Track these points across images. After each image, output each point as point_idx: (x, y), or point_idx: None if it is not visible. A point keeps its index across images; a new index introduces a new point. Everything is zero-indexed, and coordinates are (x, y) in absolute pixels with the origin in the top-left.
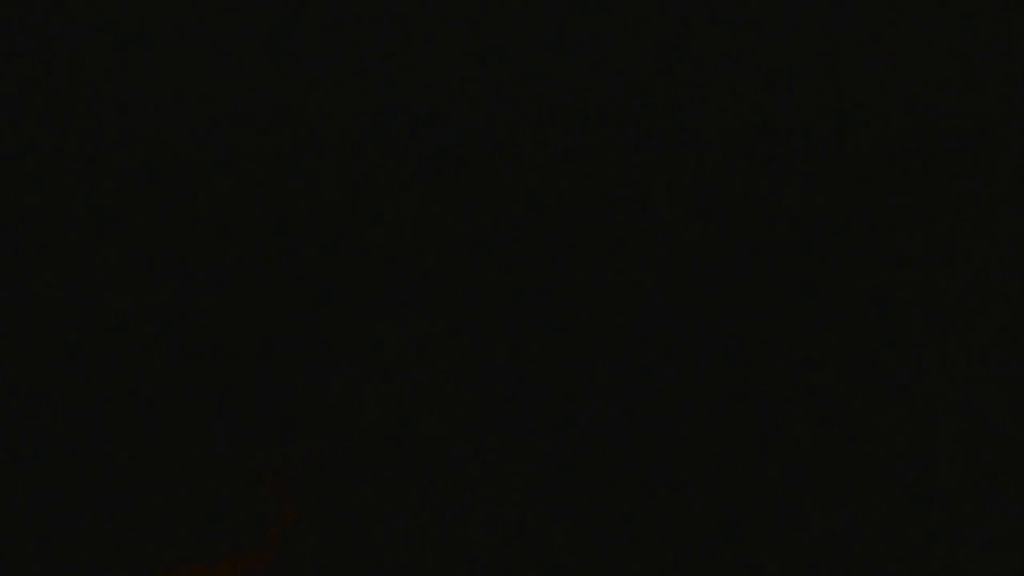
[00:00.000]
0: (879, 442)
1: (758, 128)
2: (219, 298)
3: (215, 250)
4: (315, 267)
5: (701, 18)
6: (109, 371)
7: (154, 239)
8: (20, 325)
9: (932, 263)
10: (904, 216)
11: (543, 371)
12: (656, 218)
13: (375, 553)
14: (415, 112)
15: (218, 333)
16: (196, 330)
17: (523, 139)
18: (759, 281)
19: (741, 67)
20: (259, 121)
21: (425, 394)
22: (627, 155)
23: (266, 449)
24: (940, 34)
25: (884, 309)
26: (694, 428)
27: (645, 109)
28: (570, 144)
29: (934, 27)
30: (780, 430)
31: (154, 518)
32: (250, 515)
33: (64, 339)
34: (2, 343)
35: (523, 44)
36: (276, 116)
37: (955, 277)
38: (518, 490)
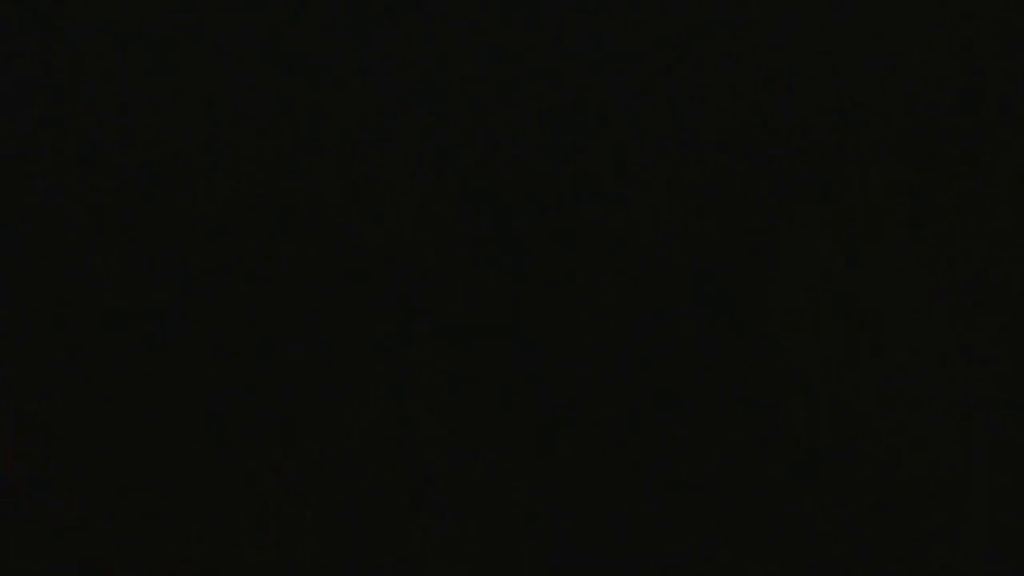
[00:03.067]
0: (879, 442)
1: (758, 128)
2: (219, 298)
3: (215, 250)
4: (315, 267)
5: (701, 18)
6: (109, 371)
7: (154, 239)
8: (20, 325)
9: (932, 263)
10: (903, 216)
11: (543, 371)
12: (656, 218)
13: (375, 553)
14: (415, 112)
15: (218, 333)
16: (196, 330)
17: (523, 139)
18: (759, 280)
19: (741, 67)
20: (259, 121)
21: (425, 394)
22: (627, 155)
23: (266, 449)
24: (940, 34)
25: (884, 308)
26: (696, 428)
27: (645, 109)
28: (570, 144)
29: (934, 27)
30: (779, 430)
31: (153, 518)
32: (251, 516)
33: (64, 339)
34: (2, 343)
35: (523, 44)
36: (276, 116)
37: (955, 277)
38: (518, 490)
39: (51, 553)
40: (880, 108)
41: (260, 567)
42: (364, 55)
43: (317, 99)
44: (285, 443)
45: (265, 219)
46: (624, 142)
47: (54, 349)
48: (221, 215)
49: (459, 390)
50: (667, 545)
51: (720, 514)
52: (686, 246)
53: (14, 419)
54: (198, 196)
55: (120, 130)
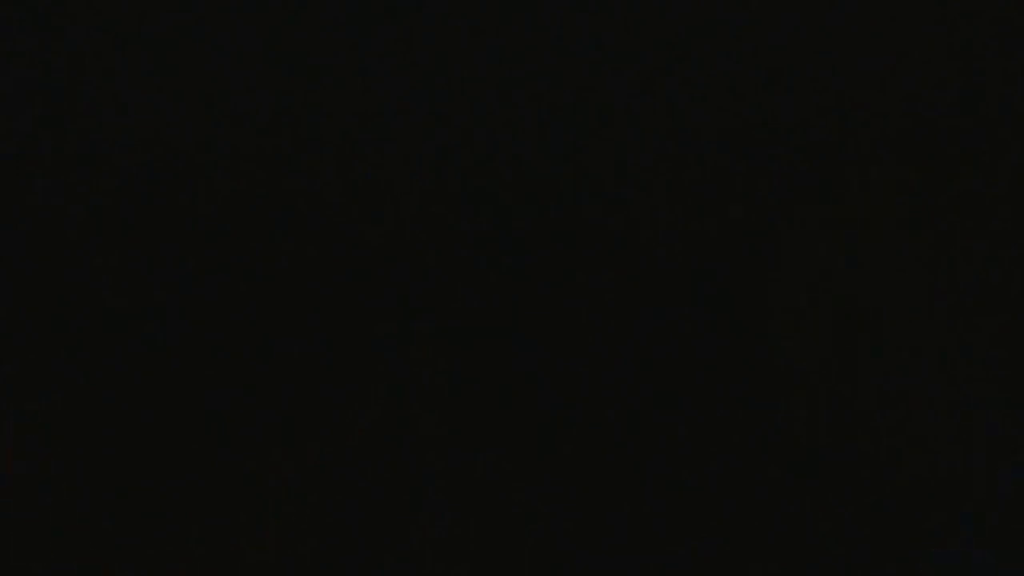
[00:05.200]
0: (879, 442)
1: (758, 128)
2: (219, 298)
3: (215, 250)
4: (315, 267)
5: (701, 18)
6: (109, 371)
7: (154, 239)
8: (20, 325)
9: (932, 263)
10: (903, 216)
11: (543, 371)
12: (656, 218)
13: (375, 553)
14: (415, 112)
15: (218, 333)
16: (196, 330)
17: (523, 139)
18: (759, 280)
19: (741, 67)
20: (259, 121)
21: (425, 394)
22: (627, 155)
23: (266, 449)
24: (940, 34)
25: (884, 308)
26: (696, 428)
27: (645, 109)
28: (570, 144)
29: (934, 27)
30: (779, 430)
31: (153, 518)
32: (251, 516)
33: (64, 339)
34: (2, 343)
35: (523, 44)
36: (276, 116)
37: (955, 277)
38: (518, 490)
39: (51, 553)
40: (880, 108)
41: (260, 567)
42: (364, 55)
43: (317, 99)
44: (285, 443)
45: (265, 219)
46: (624, 142)
47: (54, 349)
48: (221, 215)
49: (459, 390)
50: (667, 545)
51: (720, 514)
52: (686, 246)
53: (14, 419)
54: (198, 196)
55: (120, 130)
